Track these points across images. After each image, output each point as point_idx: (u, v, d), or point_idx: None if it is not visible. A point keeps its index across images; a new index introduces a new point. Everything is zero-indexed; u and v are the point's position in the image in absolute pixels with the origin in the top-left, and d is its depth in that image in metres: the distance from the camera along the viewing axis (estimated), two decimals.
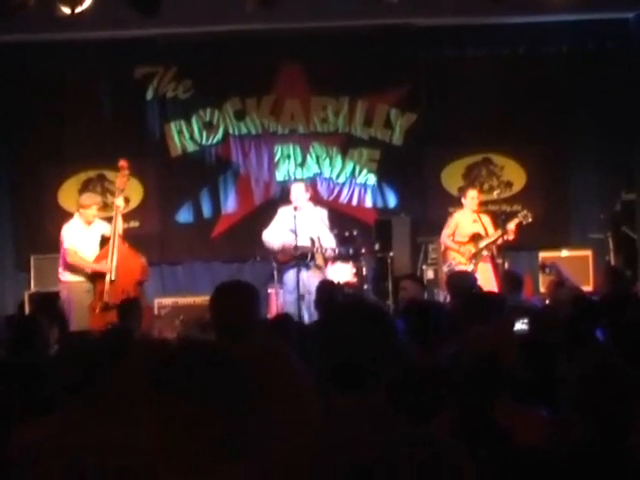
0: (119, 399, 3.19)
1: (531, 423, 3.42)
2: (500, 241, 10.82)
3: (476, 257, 10.83)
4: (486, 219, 11.00)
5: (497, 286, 10.08)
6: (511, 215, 11.53)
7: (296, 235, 10.18)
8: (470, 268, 10.70)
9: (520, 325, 5.06)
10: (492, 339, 3.80)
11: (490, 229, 10.90)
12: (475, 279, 8.55)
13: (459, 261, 10.88)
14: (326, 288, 8.29)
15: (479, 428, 3.25)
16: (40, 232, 12.36)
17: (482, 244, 10.80)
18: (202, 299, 10.43)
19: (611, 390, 2.94)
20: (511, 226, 10.83)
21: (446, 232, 11.07)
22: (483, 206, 11.32)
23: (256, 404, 2.21)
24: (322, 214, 10.65)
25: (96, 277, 9.93)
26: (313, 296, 9.22)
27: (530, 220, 10.95)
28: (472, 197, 10.96)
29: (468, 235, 10.92)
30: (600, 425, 2.90)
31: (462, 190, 11.59)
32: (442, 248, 11.31)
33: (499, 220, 10.98)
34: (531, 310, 5.49)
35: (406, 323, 5.23)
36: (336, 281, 10.39)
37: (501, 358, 3.53)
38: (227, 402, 2.20)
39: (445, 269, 11.05)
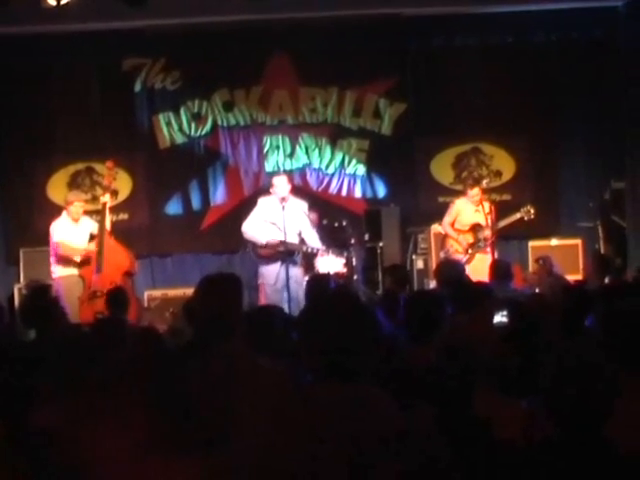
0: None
1: (512, 414, 3.42)
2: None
3: (473, 247, 10.81)
4: (489, 208, 10.86)
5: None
6: (502, 205, 11.53)
7: (283, 229, 10.06)
8: (466, 258, 10.67)
9: (499, 317, 5.05)
10: (474, 329, 3.80)
11: (490, 220, 10.76)
12: (463, 269, 8.53)
13: (456, 249, 10.87)
14: (316, 282, 8.20)
15: (458, 420, 3.25)
16: (29, 225, 12.35)
17: (481, 235, 10.74)
18: (192, 291, 10.35)
19: (585, 385, 2.93)
20: (501, 224, 10.78)
21: (447, 219, 11.03)
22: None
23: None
24: (303, 206, 10.53)
25: (85, 268, 9.98)
26: (297, 289, 9.24)
27: (532, 216, 10.92)
28: (472, 195, 10.87)
29: (468, 224, 10.88)
30: (574, 419, 2.90)
31: (463, 186, 11.53)
32: (442, 233, 11.24)
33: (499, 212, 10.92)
34: (512, 301, 5.48)
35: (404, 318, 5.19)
36: (326, 272, 10.38)
37: (481, 348, 3.53)
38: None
39: (442, 255, 11.04)
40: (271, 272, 10.13)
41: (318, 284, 8.07)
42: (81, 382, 3.40)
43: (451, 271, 8.00)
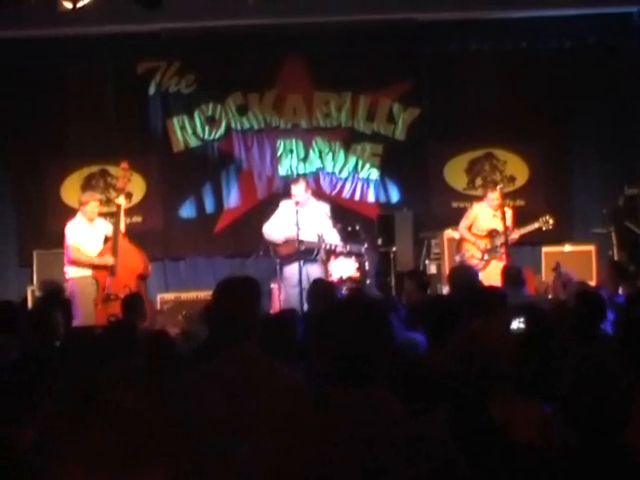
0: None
1: (530, 417, 3.42)
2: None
3: (490, 253, 10.78)
4: (508, 214, 10.75)
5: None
6: (515, 211, 11.51)
7: (299, 229, 10.14)
8: (482, 263, 10.64)
9: (517, 324, 5.05)
10: (488, 334, 3.80)
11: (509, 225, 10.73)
12: (476, 274, 8.50)
13: (472, 254, 10.84)
14: (320, 288, 8.15)
15: (474, 424, 3.25)
16: (43, 228, 12.38)
17: (497, 241, 10.72)
18: (205, 294, 10.43)
19: (601, 393, 2.93)
20: (515, 235, 10.77)
21: (464, 223, 11.01)
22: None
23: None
24: (325, 208, 10.63)
25: (99, 271, 9.97)
26: None
27: (551, 227, 10.91)
28: (492, 199, 10.84)
29: (486, 230, 10.86)
30: (591, 425, 2.90)
31: (483, 190, 11.56)
32: (456, 238, 11.25)
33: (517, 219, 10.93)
34: (529, 307, 5.47)
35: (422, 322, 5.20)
36: (338, 276, 10.41)
37: (498, 353, 3.52)
38: None
39: (457, 259, 11.01)
40: (293, 272, 10.17)
41: (323, 290, 8.01)
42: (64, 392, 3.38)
43: (463, 276, 7.98)
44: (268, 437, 2.69)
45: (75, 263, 10.07)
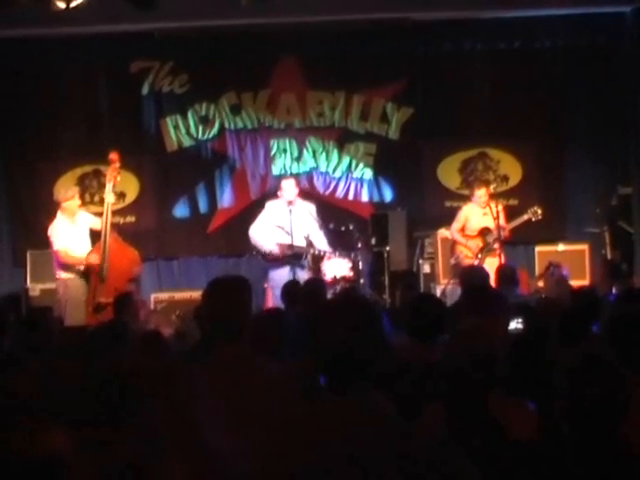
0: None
1: (526, 416, 3.42)
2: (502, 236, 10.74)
3: (483, 251, 10.79)
4: (496, 212, 10.78)
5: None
6: (509, 210, 11.51)
7: (290, 233, 10.14)
8: (476, 263, 10.65)
9: (515, 324, 5.05)
10: (485, 332, 3.80)
11: (502, 222, 10.72)
12: (487, 274, 8.43)
13: (466, 254, 10.86)
14: (311, 287, 8.15)
15: (472, 420, 3.25)
16: (36, 228, 12.31)
17: (490, 239, 10.73)
18: (198, 294, 10.35)
19: (599, 385, 2.94)
20: (510, 226, 10.81)
21: (455, 226, 11.03)
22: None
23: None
24: (311, 209, 10.65)
25: (89, 274, 9.89)
26: None
27: (540, 217, 10.93)
28: (480, 196, 10.88)
29: (477, 229, 10.88)
30: (589, 419, 2.91)
31: (470, 189, 11.59)
32: (450, 239, 11.26)
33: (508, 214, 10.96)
34: (525, 306, 5.47)
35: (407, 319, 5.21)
36: (332, 276, 10.42)
37: (496, 353, 3.53)
38: None
39: (452, 261, 11.04)
40: (280, 276, 10.17)
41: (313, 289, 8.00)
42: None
43: (474, 278, 7.93)
44: (259, 436, 2.69)
45: (66, 267, 9.96)
